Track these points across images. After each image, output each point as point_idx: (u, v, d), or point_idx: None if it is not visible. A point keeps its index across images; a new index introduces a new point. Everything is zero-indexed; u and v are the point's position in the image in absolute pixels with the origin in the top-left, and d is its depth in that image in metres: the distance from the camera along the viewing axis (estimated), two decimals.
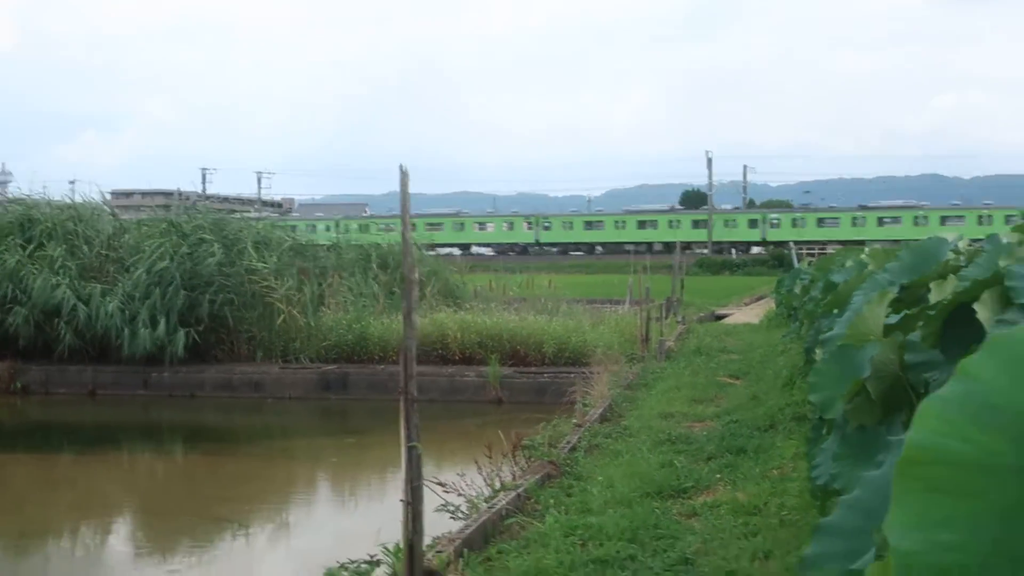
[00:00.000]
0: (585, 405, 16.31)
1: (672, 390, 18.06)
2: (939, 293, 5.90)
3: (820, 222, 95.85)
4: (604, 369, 19.05)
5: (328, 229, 70.47)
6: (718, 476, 11.35)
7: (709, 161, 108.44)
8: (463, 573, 7.70)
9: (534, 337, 23.71)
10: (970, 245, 8.56)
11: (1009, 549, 1.35)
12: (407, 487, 7.28)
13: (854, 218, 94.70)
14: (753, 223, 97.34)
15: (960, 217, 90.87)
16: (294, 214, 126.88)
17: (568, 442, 13.11)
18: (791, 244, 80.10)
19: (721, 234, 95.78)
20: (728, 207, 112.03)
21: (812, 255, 50.92)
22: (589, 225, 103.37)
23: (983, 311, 4.27)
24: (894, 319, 6.08)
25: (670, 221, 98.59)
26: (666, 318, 29.64)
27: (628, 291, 33.90)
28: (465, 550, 8.54)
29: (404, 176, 7.07)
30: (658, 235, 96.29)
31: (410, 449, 7.32)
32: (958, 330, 4.53)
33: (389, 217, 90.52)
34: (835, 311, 7.92)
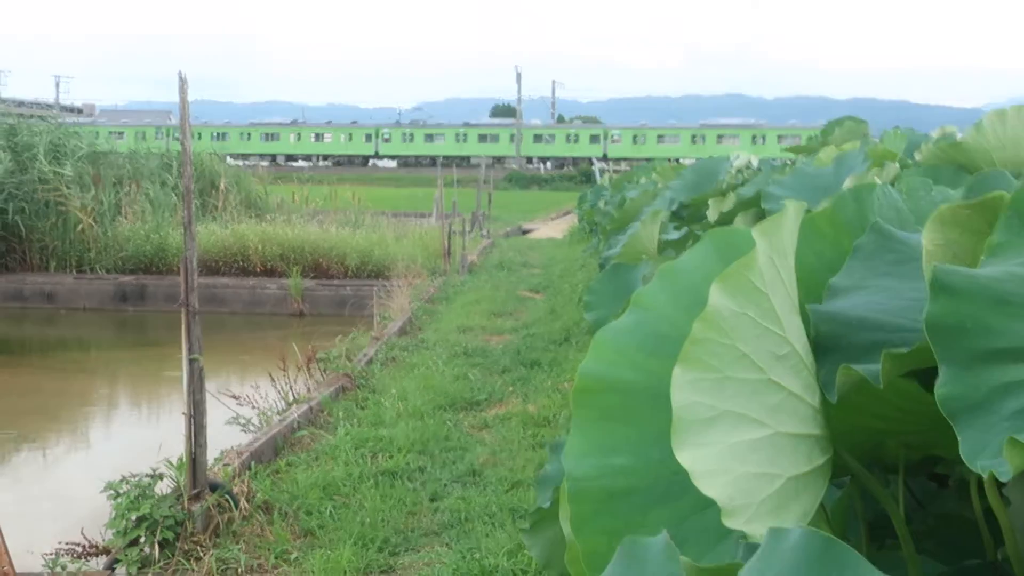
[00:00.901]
0: (384, 318, 16.31)
1: (472, 304, 18.18)
2: (716, 211, 6.04)
3: (660, 139, 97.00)
4: (406, 283, 19.06)
5: (144, 137, 68.41)
6: (511, 389, 11.51)
7: (518, 75, 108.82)
8: (249, 485, 7.65)
9: (336, 250, 23.56)
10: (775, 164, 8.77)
11: (669, 469, 1.39)
12: (189, 400, 7.17)
13: (693, 135, 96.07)
14: (595, 139, 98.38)
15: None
16: (97, 120, 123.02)
17: (365, 355, 13.11)
18: (594, 160, 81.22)
19: (565, 150, 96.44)
20: (537, 122, 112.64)
21: (617, 172, 51.68)
22: (429, 138, 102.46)
23: None
24: (676, 235, 6.21)
25: (511, 135, 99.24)
26: (471, 232, 29.76)
27: (435, 205, 33.90)
28: (253, 463, 8.49)
29: (183, 84, 6.90)
30: (500, 149, 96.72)
31: (192, 362, 7.20)
32: None
33: (198, 125, 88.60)
34: (626, 227, 8.06)
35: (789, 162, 8.34)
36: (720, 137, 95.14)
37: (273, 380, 11.42)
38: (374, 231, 25.98)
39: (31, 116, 40.68)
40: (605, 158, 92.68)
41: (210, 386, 7.86)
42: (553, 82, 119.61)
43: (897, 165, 4.20)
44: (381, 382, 11.76)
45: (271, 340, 20.03)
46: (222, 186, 29.12)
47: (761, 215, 4.37)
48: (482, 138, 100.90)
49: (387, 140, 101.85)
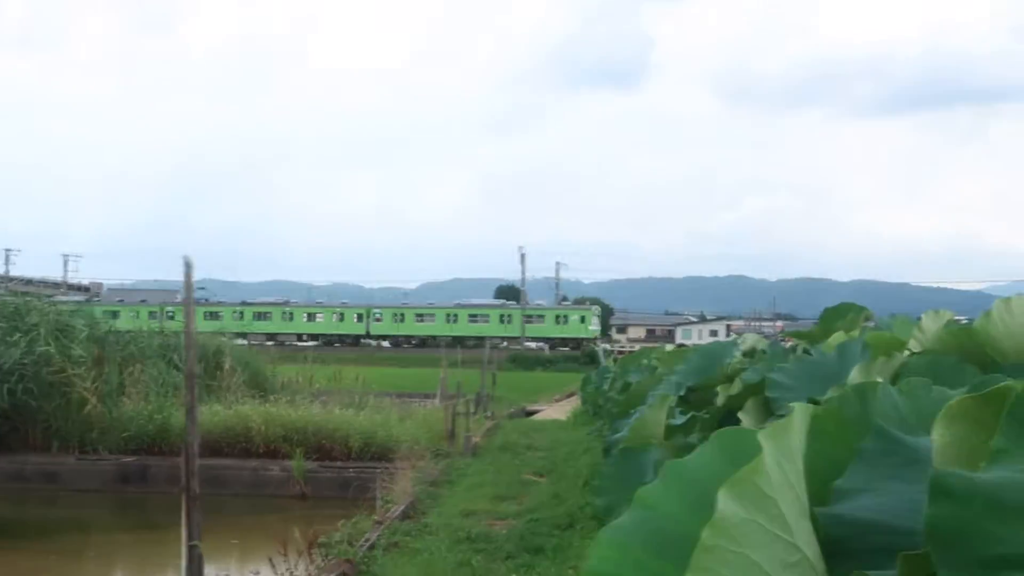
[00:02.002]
0: (387, 501, 16.17)
1: (476, 487, 18.05)
2: (723, 396, 6.05)
3: (419, 317, 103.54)
4: (409, 465, 18.96)
5: (137, 316, 68.96)
6: None
7: (522, 256, 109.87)
8: None
9: (340, 431, 23.48)
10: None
11: None
12: None
13: (447, 314, 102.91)
14: (360, 317, 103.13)
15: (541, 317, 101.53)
16: (101, 299, 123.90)
17: (367, 539, 12.97)
18: (598, 342, 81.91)
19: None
20: (543, 302, 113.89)
21: (621, 353, 51.73)
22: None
23: (747, 419, 4.40)
24: (681, 420, 6.21)
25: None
26: (475, 413, 29.69)
27: (440, 385, 33.91)
28: None
29: (188, 268, 6.99)
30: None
31: (191, 548, 7.14)
32: None
33: (198, 305, 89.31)
34: (631, 411, 8.06)
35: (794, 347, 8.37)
36: (472, 316, 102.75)
37: (273, 566, 11.28)
38: (378, 412, 25.93)
39: (37, 295, 41.04)
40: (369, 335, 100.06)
41: (209, 571, 7.78)
42: (557, 263, 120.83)
43: (906, 354, 4.23)
44: (383, 569, 11.61)
45: (272, 523, 19.81)
46: (227, 365, 29.21)
47: (766, 402, 4.38)
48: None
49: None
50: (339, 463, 22.82)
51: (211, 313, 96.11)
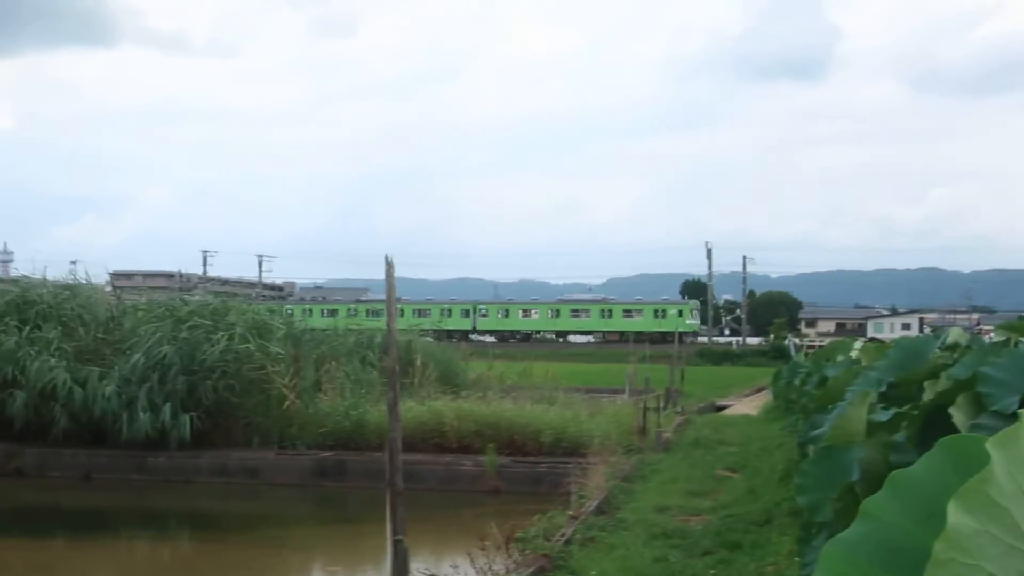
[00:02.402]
0: (581, 497, 16.23)
1: (669, 483, 17.98)
2: (931, 392, 5.92)
3: (524, 312, 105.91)
4: (601, 460, 18.98)
5: (328, 314, 70.79)
6: (712, 572, 11.27)
7: (708, 251, 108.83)
8: None
9: (532, 426, 23.65)
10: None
11: None
12: None
13: (550, 310, 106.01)
14: (466, 313, 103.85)
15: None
16: (294, 297, 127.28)
17: (563, 535, 13.04)
18: (789, 336, 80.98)
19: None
20: (730, 297, 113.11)
21: (812, 348, 50.85)
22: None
23: (958, 415, 4.30)
24: (884, 416, 6.10)
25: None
26: (665, 409, 29.55)
27: (627, 381, 33.86)
28: None
29: (389, 267, 7.13)
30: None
31: (396, 543, 7.28)
32: (936, 432, 4.55)
33: (378, 301, 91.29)
34: (829, 407, 7.93)
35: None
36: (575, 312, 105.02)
37: (472, 560, 11.43)
38: (568, 408, 26.02)
39: (233, 295, 42.33)
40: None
41: (411, 565, 7.92)
42: (744, 258, 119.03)
43: None
44: (580, 564, 11.65)
45: (467, 518, 20.10)
46: (418, 362, 29.67)
47: (977, 398, 4.28)
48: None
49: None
50: (531, 458, 22.98)
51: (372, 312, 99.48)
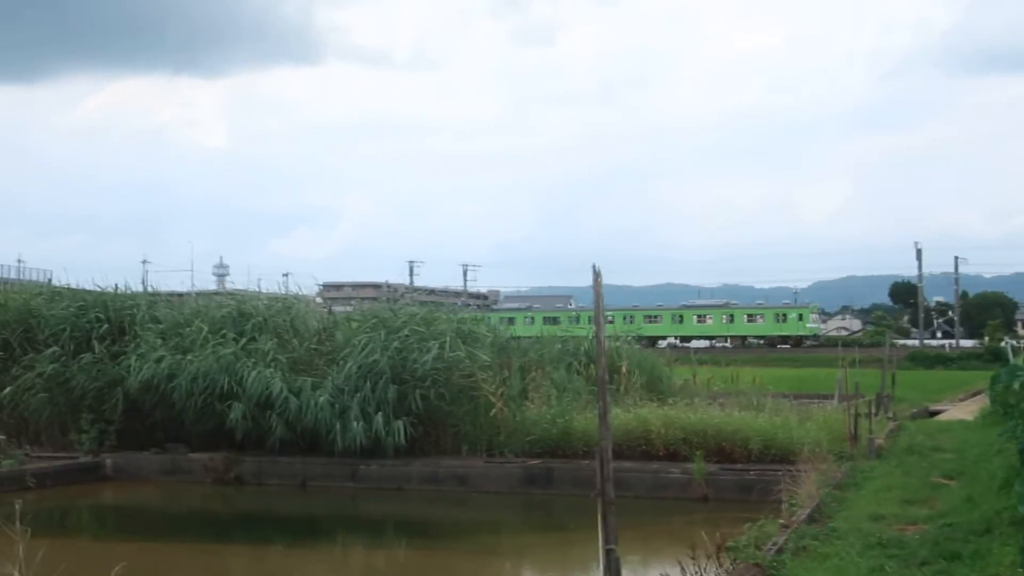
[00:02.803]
0: (792, 505, 15.98)
1: (882, 490, 17.55)
2: None
3: (648, 318, 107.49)
4: (812, 467, 18.64)
5: (532, 322, 71.82)
6: None
7: (918, 252, 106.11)
8: None
9: (740, 433, 23.39)
10: None
11: None
12: None
13: (673, 315, 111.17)
14: (591, 319, 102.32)
15: None
16: (501, 305, 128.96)
17: (774, 543, 12.84)
18: (1006, 338, 78.53)
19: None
20: (941, 299, 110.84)
21: None
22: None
23: None
24: None
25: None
26: (876, 414, 28.86)
27: (836, 386, 33.20)
28: None
29: (597, 276, 7.14)
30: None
31: (608, 552, 7.29)
32: None
33: (586, 310, 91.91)
34: None
35: None
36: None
37: (683, 569, 11.36)
38: (776, 414, 25.64)
39: (439, 304, 43.03)
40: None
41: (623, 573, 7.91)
42: (956, 258, 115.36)
43: None
44: (793, 573, 11.46)
45: (676, 526, 19.98)
46: (624, 369, 29.64)
47: None
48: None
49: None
50: (739, 465, 22.72)
51: (649, 316, 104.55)
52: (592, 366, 28.84)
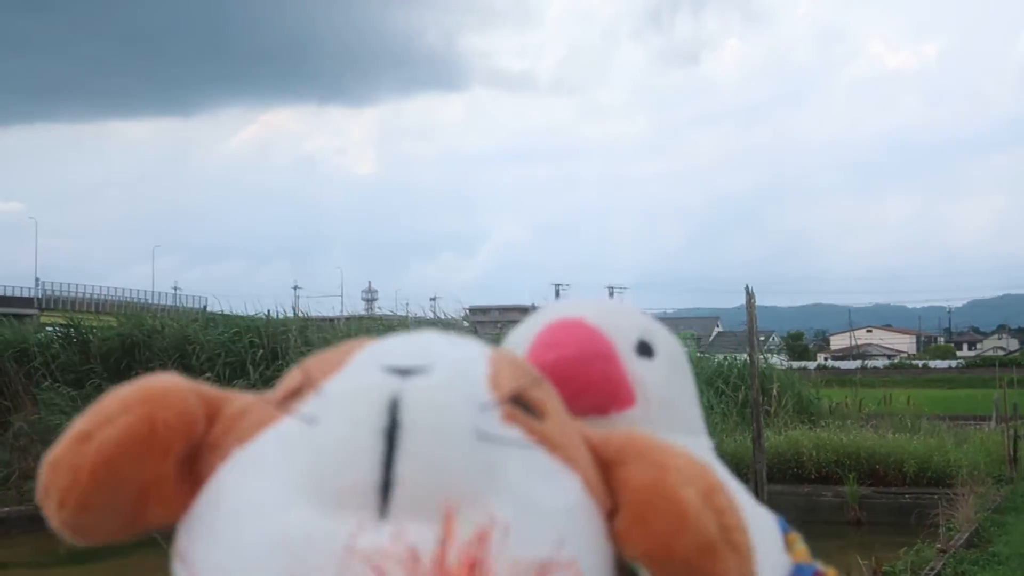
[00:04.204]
0: (949, 529, 15.68)
1: None
2: None
3: None
4: (969, 490, 18.27)
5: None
6: None
7: None
8: None
9: (894, 455, 22.95)
10: None
11: None
12: None
13: None
14: None
15: None
16: None
17: (932, 569, 12.64)
18: None
19: None
20: None
21: None
22: None
23: None
24: None
25: None
26: None
27: (994, 407, 32.45)
28: None
29: (750, 297, 7.14)
30: None
31: None
32: None
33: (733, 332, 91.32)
34: None
35: None
36: None
37: None
38: (931, 436, 25.12)
39: None
40: None
41: None
42: None
43: None
44: None
45: (830, 550, 19.62)
46: (774, 391, 29.32)
47: None
48: None
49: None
50: (893, 489, 22.30)
51: None
52: (741, 388, 28.65)
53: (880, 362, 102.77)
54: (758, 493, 7.19)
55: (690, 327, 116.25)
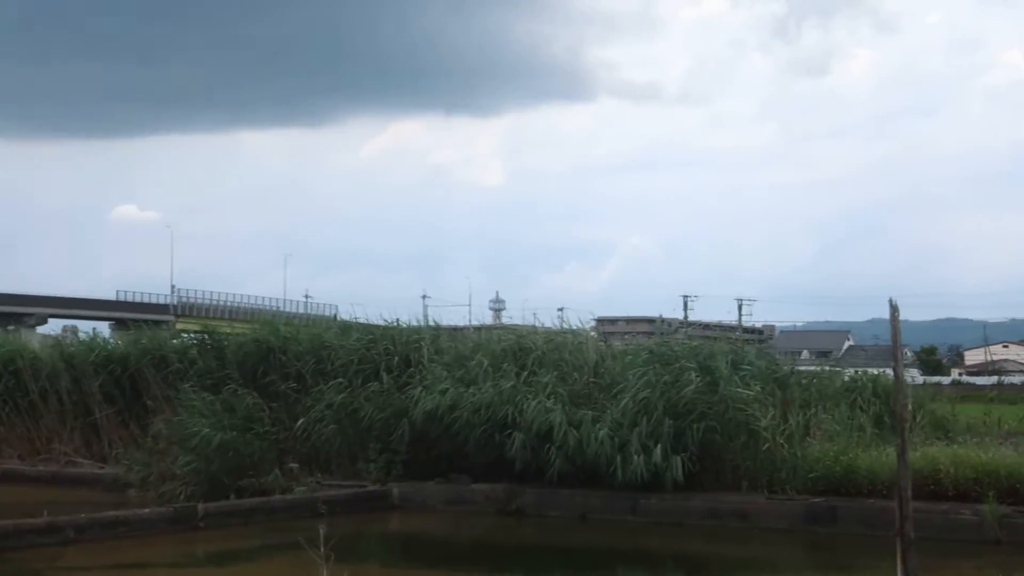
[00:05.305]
0: None
1: None
2: None
3: None
4: None
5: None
6: None
7: None
8: None
9: None
10: None
11: None
12: None
13: None
14: None
15: None
16: (775, 341, 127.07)
17: None
18: None
19: None
20: None
21: None
22: None
23: None
24: None
25: None
26: None
27: None
28: None
29: (894, 311, 7.02)
30: None
31: None
32: None
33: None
34: None
35: None
36: None
37: None
38: None
39: (713, 339, 42.75)
40: None
41: None
42: None
43: None
44: None
45: (967, 570, 19.37)
46: (909, 406, 28.72)
47: None
48: None
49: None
50: None
51: None
52: (876, 403, 28.12)
53: (1017, 378, 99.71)
54: (902, 510, 7.06)
55: (820, 341, 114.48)
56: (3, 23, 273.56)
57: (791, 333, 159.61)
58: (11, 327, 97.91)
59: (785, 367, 31.50)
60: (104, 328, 48.42)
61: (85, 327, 49.18)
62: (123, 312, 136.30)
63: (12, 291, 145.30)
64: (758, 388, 26.04)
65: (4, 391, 34.08)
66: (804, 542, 22.89)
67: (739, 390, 25.66)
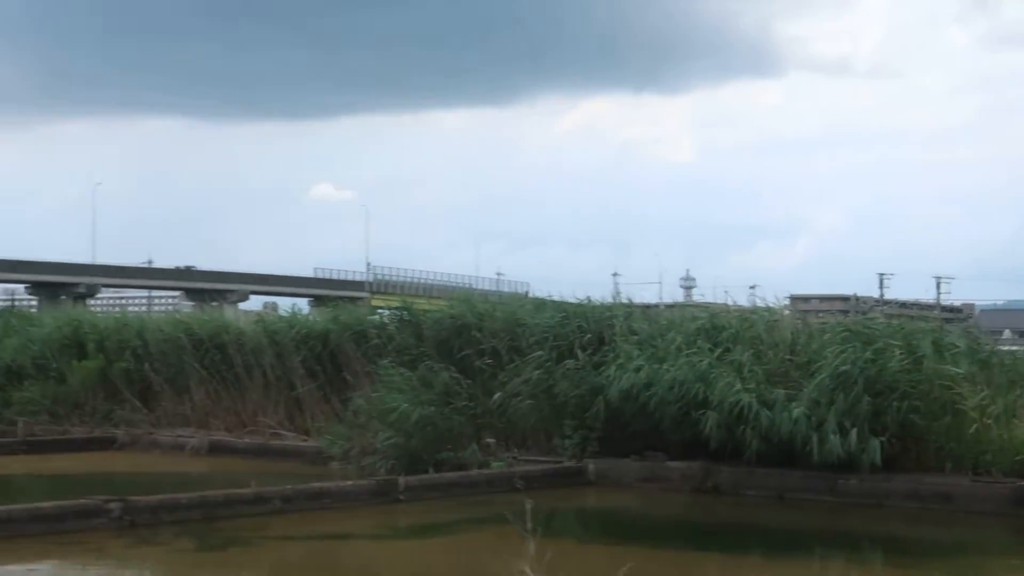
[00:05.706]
0: None
1: None
2: None
3: None
4: None
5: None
6: None
7: None
8: None
9: None
10: None
11: None
12: None
13: None
14: None
15: None
16: (976, 319, 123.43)
17: None
18: None
19: None
20: None
21: None
22: None
23: None
24: None
25: None
26: None
27: None
28: None
29: None
30: None
31: None
32: None
33: None
34: None
35: None
36: None
37: None
38: None
39: (911, 317, 41.73)
40: None
41: None
42: None
43: None
44: None
45: None
46: None
47: None
48: None
49: None
50: None
51: None
52: None
53: None
54: None
55: (1022, 320, 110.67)
56: (209, 13, 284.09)
57: (992, 312, 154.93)
58: (215, 303, 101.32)
59: (987, 346, 30.62)
60: (303, 304, 49.47)
61: (284, 304, 50.42)
62: (320, 289, 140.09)
63: (216, 268, 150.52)
64: (962, 369, 25.34)
65: (211, 365, 35.17)
66: (1012, 526, 22.29)
67: (947, 366, 25.01)
